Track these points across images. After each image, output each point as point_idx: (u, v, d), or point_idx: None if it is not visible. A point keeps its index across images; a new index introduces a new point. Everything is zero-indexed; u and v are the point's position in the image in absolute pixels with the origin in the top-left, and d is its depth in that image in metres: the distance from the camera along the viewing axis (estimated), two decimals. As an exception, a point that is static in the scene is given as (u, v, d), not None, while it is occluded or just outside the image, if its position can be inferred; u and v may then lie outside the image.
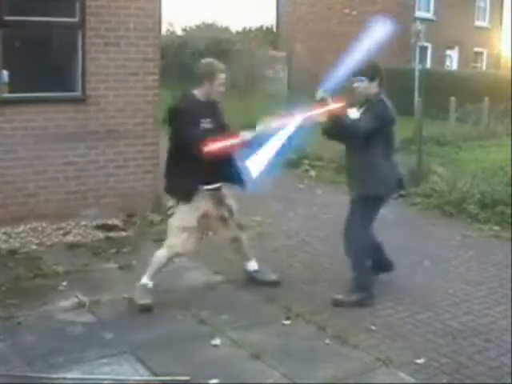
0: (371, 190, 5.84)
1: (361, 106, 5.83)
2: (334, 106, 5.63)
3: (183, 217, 5.73)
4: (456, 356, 4.96)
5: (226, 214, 6.03)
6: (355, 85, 5.82)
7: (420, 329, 5.45)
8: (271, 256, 7.10)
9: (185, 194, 5.71)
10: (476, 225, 8.88)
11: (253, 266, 6.34)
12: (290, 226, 8.45)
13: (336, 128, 5.77)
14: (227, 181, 5.96)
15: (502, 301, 6.11)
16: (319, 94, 5.66)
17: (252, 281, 6.30)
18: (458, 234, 8.44)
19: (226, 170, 5.83)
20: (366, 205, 5.88)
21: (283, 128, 5.70)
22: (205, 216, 5.87)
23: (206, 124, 5.71)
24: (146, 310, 5.61)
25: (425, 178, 10.92)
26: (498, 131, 17.91)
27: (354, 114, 5.78)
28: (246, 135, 5.70)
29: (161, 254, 5.84)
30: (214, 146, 5.38)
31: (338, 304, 5.84)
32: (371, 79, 5.80)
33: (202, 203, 5.79)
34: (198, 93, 5.79)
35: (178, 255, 5.97)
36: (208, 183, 5.80)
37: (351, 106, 5.89)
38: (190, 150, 5.50)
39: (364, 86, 5.80)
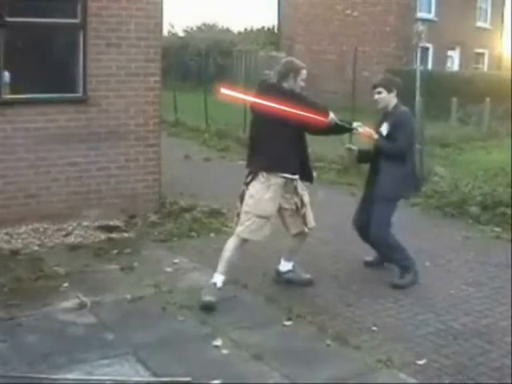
0: (399, 192, 6.55)
1: (384, 119, 6.48)
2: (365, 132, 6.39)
3: (260, 205, 5.85)
4: (457, 357, 4.96)
5: (298, 204, 6.13)
6: (375, 96, 6.46)
7: (421, 330, 5.45)
8: (272, 256, 7.09)
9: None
10: (477, 226, 8.88)
11: (286, 266, 6.42)
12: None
13: (377, 155, 6.46)
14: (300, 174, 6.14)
15: (503, 302, 6.11)
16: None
17: (286, 281, 6.38)
18: (459, 235, 8.44)
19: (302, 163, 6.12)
20: (389, 205, 6.49)
21: None
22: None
23: None
24: (207, 307, 5.66)
25: (426, 179, 10.91)
26: (499, 132, 17.90)
27: (384, 129, 6.42)
28: (332, 117, 6.13)
29: (230, 243, 5.95)
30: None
31: (396, 287, 6.34)
32: (389, 91, 6.42)
33: (280, 192, 5.94)
34: (286, 85, 6.06)
35: (245, 241, 6.01)
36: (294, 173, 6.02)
37: (379, 123, 6.53)
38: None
39: (382, 96, 6.43)
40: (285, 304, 5.84)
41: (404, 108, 6.57)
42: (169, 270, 6.37)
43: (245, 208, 5.90)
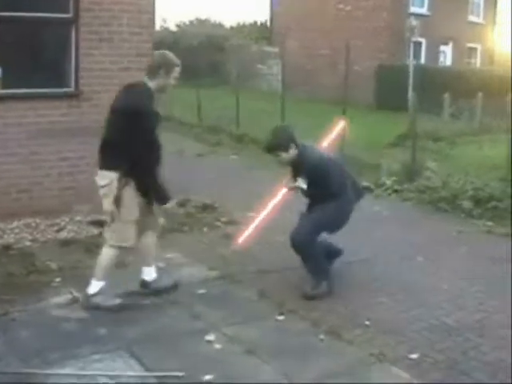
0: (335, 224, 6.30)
1: (297, 172, 6.18)
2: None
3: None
4: (450, 351, 4.97)
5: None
6: (279, 160, 6.19)
7: (414, 324, 5.46)
8: (267, 251, 7.10)
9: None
10: (469, 220, 8.90)
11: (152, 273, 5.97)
12: (285, 222, 8.44)
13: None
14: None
15: (495, 296, 6.12)
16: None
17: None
18: (452, 229, 8.46)
19: None
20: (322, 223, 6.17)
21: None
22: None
23: None
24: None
25: (419, 174, 10.93)
26: (491, 127, 17.93)
27: (301, 183, 6.10)
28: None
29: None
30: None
31: (307, 298, 5.96)
32: (285, 149, 6.03)
33: None
34: (154, 84, 5.52)
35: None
36: None
37: (292, 174, 6.31)
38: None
39: (283, 157, 6.10)
40: (277, 299, 5.85)
41: (309, 153, 6.07)
42: (161, 265, 6.35)
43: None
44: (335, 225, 6.24)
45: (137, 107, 5.32)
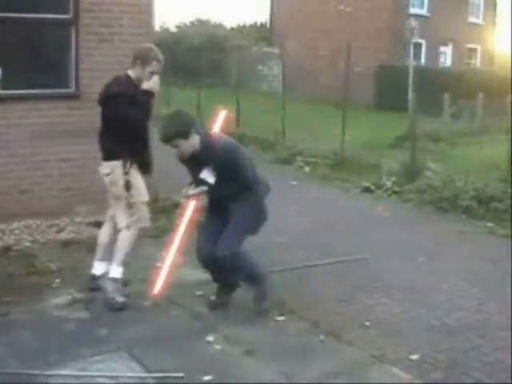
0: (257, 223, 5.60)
1: (201, 163, 5.28)
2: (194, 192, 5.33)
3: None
4: (450, 352, 4.97)
5: None
6: (178, 152, 5.31)
7: (414, 325, 5.46)
8: (263, 252, 7.09)
9: None
10: (470, 221, 8.90)
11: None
12: (282, 222, 8.45)
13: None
14: None
15: (496, 297, 6.12)
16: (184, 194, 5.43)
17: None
18: (452, 230, 8.46)
19: None
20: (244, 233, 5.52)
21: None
22: None
23: None
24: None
25: (419, 175, 10.94)
26: (491, 128, 17.93)
27: (208, 176, 5.28)
28: None
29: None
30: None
31: (263, 312, 5.53)
32: (186, 136, 5.17)
33: None
34: (132, 74, 5.78)
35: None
36: None
37: (194, 168, 5.39)
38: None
39: (183, 147, 5.24)
40: (277, 299, 5.84)
41: (215, 140, 5.29)
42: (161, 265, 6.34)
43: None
44: (258, 225, 5.55)
45: (110, 93, 5.72)
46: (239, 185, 5.26)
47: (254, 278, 5.58)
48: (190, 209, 5.46)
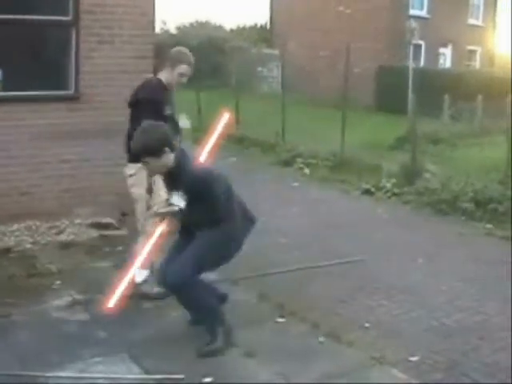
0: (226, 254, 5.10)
1: (172, 186, 4.91)
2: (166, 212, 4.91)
3: None
4: (450, 353, 4.97)
5: None
6: (149, 170, 5.06)
7: (414, 326, 5.47)
8: (264, 253, 7.10)
9: None
10: (469, 223, 8.90)
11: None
12: (283, 224, 8.46)
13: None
14: None
15: (495, 298, 6.13)
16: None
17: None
18: (451, 231, 8.47)
19: None
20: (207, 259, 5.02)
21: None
22: None
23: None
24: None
25: (419, 176, 10.94)
26: (491, 129, 17.93)
27: (177, 201, 4.81)
28: None
29: None
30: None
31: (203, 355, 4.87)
32: (157, 155, 4.71)
33: None
34: (163, 77, 5.85)
35: None
36: None
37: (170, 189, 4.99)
38: None
39: (153, 166, 4.83)
40: (277, 301, 5.84)
41: (189, 161, 4.93)
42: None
43: None
44: (221, 260, 5.07)
45: (139, 96, 5.72)
46: (211, 212, 4.79)
47: (204, 312, 5.07)
48: (159, 229, 4.93)
